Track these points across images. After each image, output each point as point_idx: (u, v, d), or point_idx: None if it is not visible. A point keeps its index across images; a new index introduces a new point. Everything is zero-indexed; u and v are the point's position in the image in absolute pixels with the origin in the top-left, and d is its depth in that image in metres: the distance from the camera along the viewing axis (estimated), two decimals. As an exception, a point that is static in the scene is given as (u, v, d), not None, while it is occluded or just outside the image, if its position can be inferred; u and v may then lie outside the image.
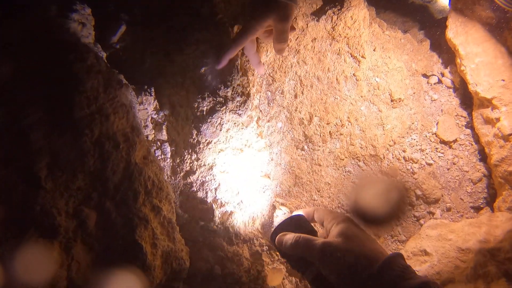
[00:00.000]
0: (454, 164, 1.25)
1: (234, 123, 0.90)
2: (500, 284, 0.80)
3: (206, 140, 0.88)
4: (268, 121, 1.08)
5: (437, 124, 1.29)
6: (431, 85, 1.37)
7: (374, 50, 1.23)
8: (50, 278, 0.54)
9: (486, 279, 0.84)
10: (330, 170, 1.16)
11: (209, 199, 0.90)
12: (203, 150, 0.88)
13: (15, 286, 0.50)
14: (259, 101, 1.07)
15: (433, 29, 1.45)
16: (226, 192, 0.91)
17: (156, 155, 0.90)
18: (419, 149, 1.25)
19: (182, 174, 0.89)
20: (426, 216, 1.18)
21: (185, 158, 0.89)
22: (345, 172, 1.17)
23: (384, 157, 1.21)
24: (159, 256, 0.71)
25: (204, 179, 0.89)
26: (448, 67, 1.37)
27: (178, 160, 0.89)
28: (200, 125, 0.87)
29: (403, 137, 1.26)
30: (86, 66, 0.71)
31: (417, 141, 1.26)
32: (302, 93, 1.12)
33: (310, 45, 1.12)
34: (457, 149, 1.27)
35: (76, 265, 0.58)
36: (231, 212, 0.92)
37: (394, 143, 1.24)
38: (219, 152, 0.90)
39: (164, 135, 0.90)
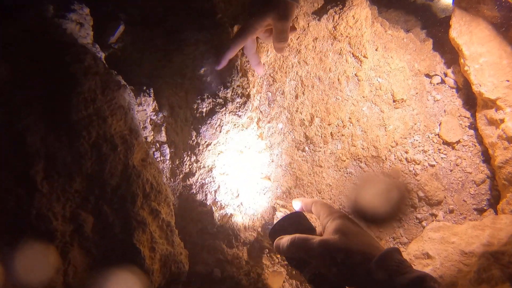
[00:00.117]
0: (457, 165, 1.24)
1: (234, 125, 0.89)
2: (504, 289, 0.79)
3: (205, 141, 0.87)
4: (269, 122, 1.07)
5: (440, 124, 1.28)
6: (434, 85, 1.35)
7: (376, 49, 1.21)
8: (46, 283, 0.53)
9: (490, 283, 0.82)
10: (332, 172, 1.14)
11: (209, 202, 0.89)
12: (202, 152, 0.87)
13: (11, 292, 0.50)
14: (260, 101, 1.06)
15: (436, 28, 1.43)
16: (225, 194, 0.90)
17: (155, 156, 0.89)
18: (422, 150, 1.24)
19: (181, 176, 0.88)
20: (428, 218, 1.17)
21: (185, 160, 0.88)
22: (347, 173, 1.16)
23: (386, 158, 1.19)
24: (158, 259, 0.70)
25: (203, 181, 0.88)
26: (451, 67, 1.36)
27: (177, 162, 0.88)
28: (200, 126, 0.86)
29: (406, 138, 1.24)
30: (83, 67, 0.69)
31: (419, 142, 1.25)
32: (303, 93, 1.11)
33: (311, 44, 1.11)
34: (460, 150, 1.25)
35: (73, 269, 0.57)
36: (231, 215, 0.91)
37: (396, 144, 1.22)
38: (218, 154, 0.89)
39: (163, 137, 0.89)
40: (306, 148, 1.12)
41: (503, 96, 1.11)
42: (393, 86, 1.22)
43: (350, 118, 1.16)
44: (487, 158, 1.22)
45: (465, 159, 1.24)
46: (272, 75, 1.08)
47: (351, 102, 1.16)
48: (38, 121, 0.62)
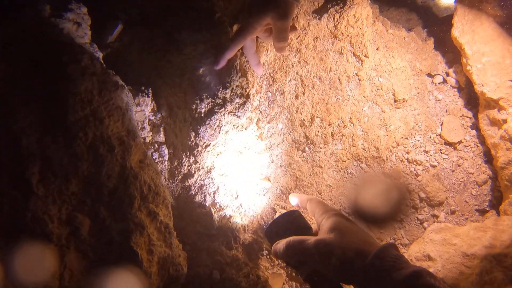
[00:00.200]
0: (459, 166, 1.22)
1: (233, 125, 0.88)
2: (506, 291, 0.78)
3: (204, 142, 0.86)
4: (269, 122, 1.06)
5: (441, 125, 1.27)
6: (435, 84, 1.34)
7: (377, 49, 1.20)
8: (41, 287, 0.53)
9: (492, 286, 0.81)
10: (332, 172, 1.13)
11: (208, 203, 0.88)
12: (201, 152, 0.86)
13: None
14: (259, 102, 1.05)
15: (438, 27, 1.41)
16: (225, 195, 0.90)
17: (154, 157, 0.88)
18: (423, 151, 1.23)
19: (180, 177, 0.87)
20: (430, 219, 1.16)
21: (183, 160, 0.87)
22: (347, 174, 1.15)
23: (387, 159, 1.18)
24: (156, 262, 0.69)
25: (202, 182, 0.88)
26: (453, 67, 1.34)
27: (176, 163, 0.88)
28: (198, 127, 0.85)
29: (407, 138, 1.23)
30: (80, 67, 0.69)
31: (421, 143, 1.24)
32: (303, 93, 1.10)
33: (311, 44, 1.10)
34: (462, 151, 1.24)
35: (69, 273, 0.57)
36: (230, 216, 0.90)
37: (398, 144, 1.21)
38: (217, 154, 0.88)
39: (161, 137, 0.88)
40: (306, 149, 1.11)
41: (506, 96, 1.10)
42: (395, 85, 1.21)
43: (350, 118, 1.15)
44: (489, 158, 1.21)
45: (467, 160, 1.22)
46: (272, 74, 1.07)
47: (351, 102, 1.15)
48: (34, 122, 0.61)
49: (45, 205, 0.57)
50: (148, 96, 0.88)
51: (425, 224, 1.14)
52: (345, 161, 1.14)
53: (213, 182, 0.88)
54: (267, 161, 1.02)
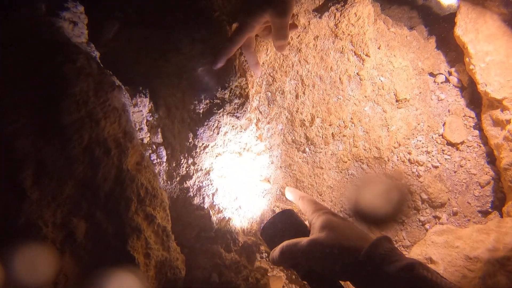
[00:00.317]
0: (461, 166, 1.21)
1: (232, 126, 0.87)
2: (510, 295, 0.77)
3: (203, 143, 0.85)
4: (268, 123, 1.04)
5: (444, 125, 1.25)
6: (438, 84, 1.32)
7: (378, 48, 1.18)
8: (35, 293, 0.51)
9: (495, 290, 0.80)
10: (333, 173, 1.12)
11: (206, 205, 0.86)
12: (200, 154, 0.85)
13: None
14: (259, 102, 1.03)
15: (440, 25, 1.39)
16: (224, 197, 0.88)
17: (152, 158, 0.87)
18: (425, 151, 1.21)
19: (178, 178, 0.86)
20: (431, 220, 1.14)
21: (181, 162, 0.86)
22: (348, 175, 1.14)
23: (388, 160, 1.17)
24: (153, 266, 0.68)
25: (201, 184, 0.86)
26: (456, 66, 1.32)
27: (174, 164, 0.86)
28: (197, 128, 0.84)
29: (409, 138, 1.21)
30: (75, 68, 0.67)
31: (423, 143, 1.22)
32: (304, 93, 1.08)
33: (312, 43, 1.08)
34: (465, 151, 1.22)
35: (64, 278, 0.55)
36: (229, 218, 0.89)
37: (399, 145, 1.19)
38: (216, 156, 0.86)
39: (159, 138, 0.87)
40: (307, 149, 1.09)
41: (509, 96, 1.08)
42: (396, 85, 1.19)
43: (351, 119, 1.13)
44: (492, 159, 1.20)
45: (469, 160, 1.21)
46: (271, 74, 1.05)
47: (353, 102, 1.14)
48: (28, 124, 0.60)
49: (39, 209, 0.55)
50: (146, 97, 0.87)
51: (427, 226, 1.13)
52: (346, 162, 1.13)
53: (211, 184, 0.87)
54: (267, 162, 1.01)
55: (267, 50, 1.02)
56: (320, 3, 1.13)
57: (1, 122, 0.57)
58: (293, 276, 0.93)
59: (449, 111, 1.28)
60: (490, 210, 1.15)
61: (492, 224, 0.97)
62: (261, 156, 0.97)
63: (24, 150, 0.57)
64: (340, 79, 1.12)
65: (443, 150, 1.22)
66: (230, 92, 0.84)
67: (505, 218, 1.04)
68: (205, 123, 0.83)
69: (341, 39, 1.11)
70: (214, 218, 0.87)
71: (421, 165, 1.19)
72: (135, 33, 0.90)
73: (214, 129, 0.84)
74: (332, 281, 0.62)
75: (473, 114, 1.26)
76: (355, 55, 1.13)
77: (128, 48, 0.90)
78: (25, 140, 0.58)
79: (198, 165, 0.86)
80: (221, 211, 0.88)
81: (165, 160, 0.87)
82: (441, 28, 1.38)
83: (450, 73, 1.33)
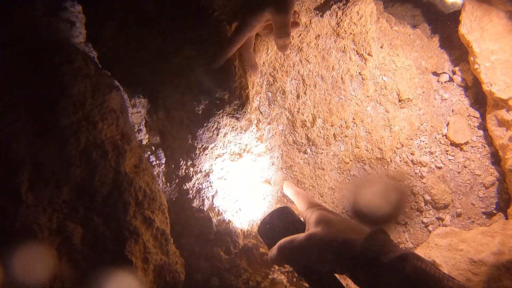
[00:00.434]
0: (465, 167, 1.19)
1: (232, 127, 0.85)
2: (515, 300, 0.75)
3: (202, 145, 0.83)
4: (269, 123, 1.03)
5: (447, 125, 1.23)
6: (441, 83, 1.30)
7: (381, 47, 1.16)
8: (31, 299, 0.51)
9: (500, 294, 0.79)
10: (334, 174, 1.11)
11: (206, 207, 0.85)
12: (199, 156, 0.84)
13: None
14: (259, 102, 1.02)
15: (444, 23, 1.37)
16: (223, 199, 0.87)
17: (151, 160, 0.86)
18: (428, 152, 1.19)
19: (177, 181, 0.85)
20: (435, 222, 1.13)
21: (181, 164, 0.84)
22: (350, 176, 1.12)
23: (391, 160, 1.15)
24: (151, 270, 0.67)
25: (200, 186, 0.85)
26: (460, 65, 1.30)
27: (173, 166, 0.85)
28: (196, 129, 0.82)
29: (412, 139, 1.20)
30: (73, 69, 0.66)
31: (426, 143, 1.20)
32: (305, 93, 1.07)
33: (313, 42, 1.06)
34: (469, 152, 1.20)
35: (60, 285, 0.55)
36: (229, 221, 0.87)
37: (402, 145, 1.18)
38: (216, 158, 0.85)
39: (158, 140, 0.86)
40: (308, 150, 1.08)
41: (515, 95, 1.06)
42: (399, 85, 1.17)
43: (353, 119, 1.12)
44: (497, 160, 1.18)
45: (473, 161, 1.19)
46: (272, 74, 1.04)
47: (355, 102, 1.12)
48: (24, 127, 0.59)
49: (34, 214, 0.54)
50: (144, 98, 0.86)
51: (430, 228, 1.11)
52: (347, 163, 1.11)
53: (211, 186, 0.86)
54: (268, 164, 1.00)
55: (268, 50, 1.01)
56: (322, 1, 1.11)
57: (1, 122, 0.56)
58: (294, 279, 0.92)
59: (453, 111, 1.26)
60: (494, 211, 1.13)
61: (497, 227, 0.96)
62: (262, 157, 0.96)
63: (21, 153, 0.56)
64: (342, 78, 1.10)
65: (446, 151, 1.20)
66: (229, 93, 0.83)
67: (510, 220, 1.02)
68: (205, 124, 0.82)
69: (343, 38, 1.09)
70: (214, 221, 0.85)
71: (424, 166, 1.17)
72: (134, 33, 0.89)
73: (213, 131, 0.83)
74: (329, 275, 0.62)
75: (477, 114, 1.24)
76: (357, 54, 1.11)
77: (126, 48, 0.89)
78: (23, 142, 0.57)
79: (197, 167, 0.85)
80: (221, 213, 0.87)
81: (164, 161, 0.86)
82: (445, 26, 1.35)
83: (454, 72, 1.31)
